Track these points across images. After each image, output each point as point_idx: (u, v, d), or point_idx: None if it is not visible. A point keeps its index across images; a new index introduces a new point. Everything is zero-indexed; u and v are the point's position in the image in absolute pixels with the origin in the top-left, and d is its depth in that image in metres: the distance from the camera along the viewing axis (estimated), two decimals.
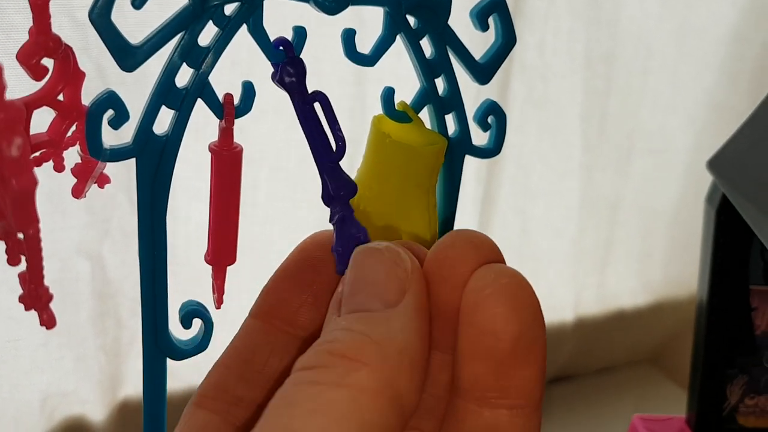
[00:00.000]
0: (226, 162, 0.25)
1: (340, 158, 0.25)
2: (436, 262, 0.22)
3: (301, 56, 0.25)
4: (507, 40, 0.28)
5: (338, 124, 0.25)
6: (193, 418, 0.24)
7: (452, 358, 0.22)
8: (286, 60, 0.24)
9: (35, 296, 0.21)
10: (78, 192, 0.26)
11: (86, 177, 0.25)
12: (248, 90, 0.25)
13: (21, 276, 0.21)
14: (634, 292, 0.88)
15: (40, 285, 0.21)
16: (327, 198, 0.25)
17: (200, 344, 0.26)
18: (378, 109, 0.27)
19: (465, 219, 0.72)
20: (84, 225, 0.53)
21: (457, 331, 0.21)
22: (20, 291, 0.54)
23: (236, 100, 0.25)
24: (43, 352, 0.56)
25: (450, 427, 0.22)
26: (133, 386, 0.61)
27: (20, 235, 0.20)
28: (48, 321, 0.21)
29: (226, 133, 0.25)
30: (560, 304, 0.82)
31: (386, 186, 0.28)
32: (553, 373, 0.84)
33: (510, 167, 0.72)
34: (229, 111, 0.24)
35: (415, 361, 0.20)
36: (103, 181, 0.26)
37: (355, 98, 0.56)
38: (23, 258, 0.22)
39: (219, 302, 0.27)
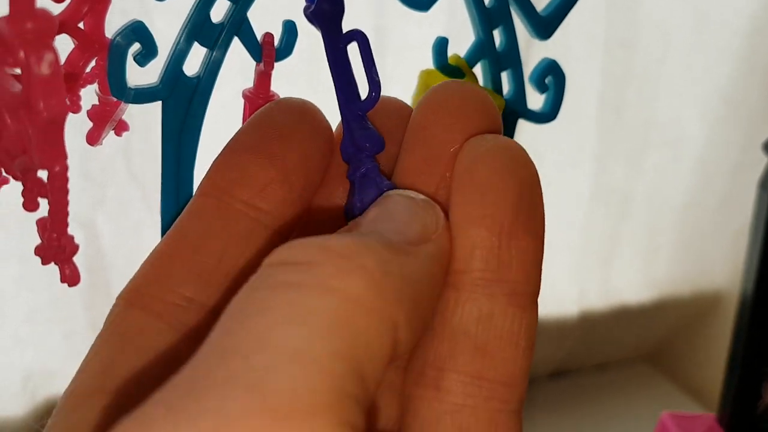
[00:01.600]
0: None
1: (371, 107, 0.21)
2: (420, 124, 0.19)
3: None
4: None
5: (375, 67, 0.21)
6: (125, 321, 0.19)
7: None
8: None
9: (57, 247, 0.18)
10: (93, 138, 0.22)
11: (104, 121, 0.22)
12: (290, 30, 0.22)
13: (40, 223, 0.18)
14: (639, 288, 0.86)
15: (64, 234, 0.18)
16: (351, 151, 0.21)
17: None
18: (400, 79, 0.24)
19: None
20: (79, 190, 0.50)
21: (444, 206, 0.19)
22: (8, 260, 0.50)
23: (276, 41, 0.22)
24: (28, 326, 0.52)
25: (435, 321, 0.18)
26: None
27: (41, 173, 0.17)
28: (71, 277, 0.18)
29: (264, 78, 0.22)
30: (564, 298, 0.80)
31: None
32: (554, 367, 0.82)
33: None
34: (268, 53, 0.21)
35: (420, 305, 0.16)
36: (121, 128, 0.23)
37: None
38: (40, 202, 0.18)
39: None
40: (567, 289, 0.79)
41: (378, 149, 0.21)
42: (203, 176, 0.20)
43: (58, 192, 0.17)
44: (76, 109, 0.21)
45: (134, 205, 0.51)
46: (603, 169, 0.77)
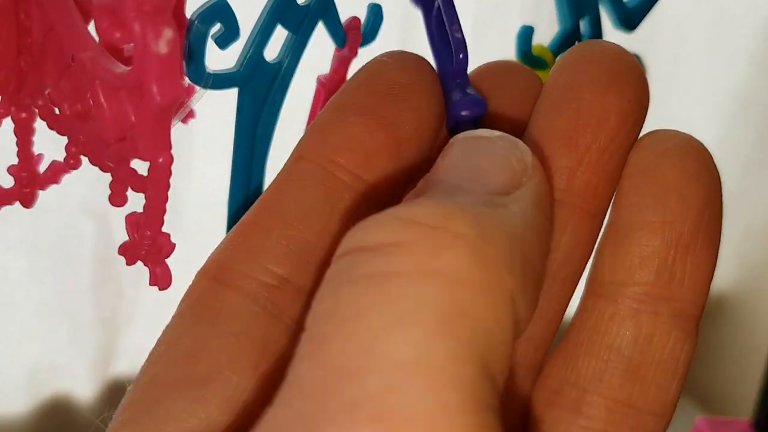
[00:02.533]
0: None
1: (462, 69, 0.19)
2: (566, 85, 0.17)
3: None
4: None
5: (457, 25, 0.19)
6: (214, 301, 0.16)
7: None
8: None
9: (151, 246, 0.16)
10: None
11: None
12: (376, 14, 0.20)
13: (130, 219, 0.16)
14: None
15: (160, 232, 0.16)
16: (452, 120, 0.19)
17: None
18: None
19: None
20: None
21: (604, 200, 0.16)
22: (19, 250, 0.48)
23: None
24: (36, 320, 0.51)
25: (581, 336, 0.16)
26: (126, 363, 0.56)
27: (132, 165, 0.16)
28: (162, 278, 0.16)
29: (344, 64, 0.20)
30: None
31: None
32: None
33: None
34: (355, 38, 0.20)
35: (532, 263, 0.14)
36: (188, 115, 0.21)
37: (401, 44, 0.51)
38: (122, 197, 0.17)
39: None
40: None
41: (479, 113, 0.18)
42: (303, 135, 0.18)
43: (159, 185, 0.15)
44: None
45: None
46: None
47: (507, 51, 0.23)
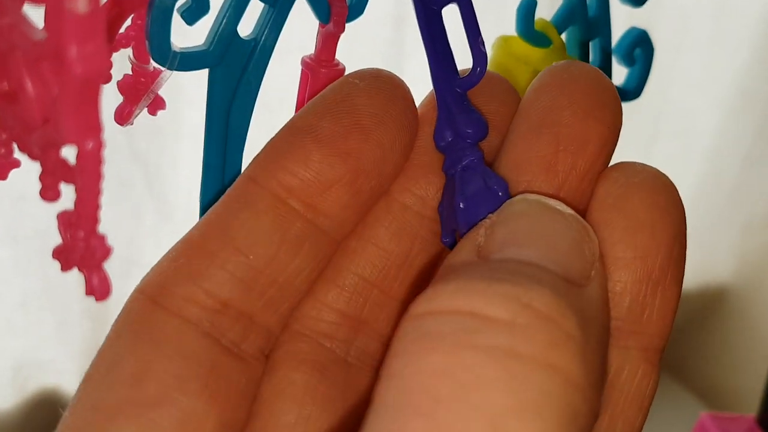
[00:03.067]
0: (323, 83, 0.19)
1: (475, 83, 0.18)
2: (546, 106, 0.17)
3: None
4: None
5: (481, 36, 0.18)
6: (156, 324, 0.16)
7: None
8: None
9: (84, 249, 0.14)
10: (123, 117, 0.19)
11: (138, 95, 0.19)
12: None
13: (62, 218, 0.14)
14: None
15: (93, 233, 0.14)
16: (449, 138, 0.18)
17: None
18: (417, 55, 0.21)
19: None
20: None
21: None
22: (0, 242, 0.47)
23: None
24: (20, 313, 0.49)
25: None
26: None
27: (66, 152, 0.14)
28: (99, 288, 0.14)
29: (331, 42, 0.19)
30: None
31: None
32: None
33: None
34: (339, 11, 0.18)
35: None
36: (156, 105, 0.19)
37: (392, 44, 0.50)
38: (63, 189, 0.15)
39: None
40: None
41: (482, 136, 0.17)
42: (257, 156, 0.17)
43: (88, 176, 0.13)
44: (106, 78, 0.18)
45: (135, 188, 0.48)
46: (612, 159, 0.75)
47: (506, 25, 0.22)
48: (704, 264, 0.86)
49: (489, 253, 0.15)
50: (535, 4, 0.21)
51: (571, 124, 0.17)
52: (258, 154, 0.17)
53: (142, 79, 0.18)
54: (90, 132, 0.12)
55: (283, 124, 0.18)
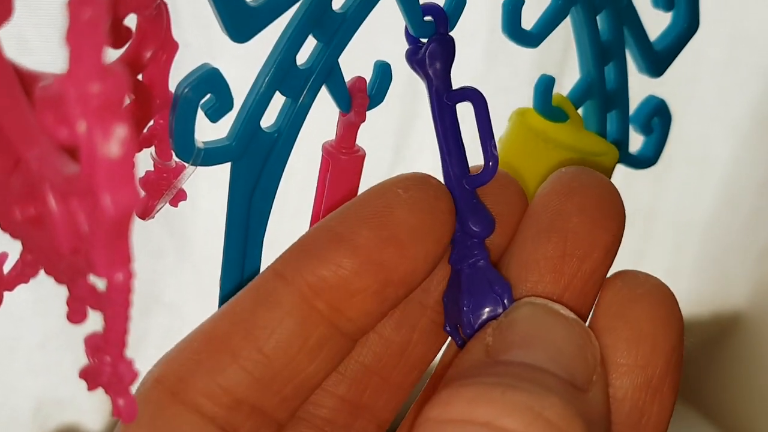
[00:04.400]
0: (344, 169, 0.19)
1: (486, 182, 0.19)
2: (556, 210, 0.17)
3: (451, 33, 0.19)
4: (689, 25, 0.22)
5: (493, 139, 0.18)
6: (173, 419, 0.16)
7: None
8: (436, 36, 0.18)
9: (111, 374, 0.14)
10: (145, 212, 0.19)
11: (160, 191, 0.19)
12: (384, 73, 0.19)
13: (89, 342, 0.14)
14: None
15: (121, 359, 0.14)
16: (457, 234, 0.18)
17: None
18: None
19: None
20: None
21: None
22: (22, 285, 0.48)
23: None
24: (40, 354, 0.50)
25: None
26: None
27: (94, 280, 0.14)
28: (126, 410, 0.14)
29: (351, 130, 0.19)
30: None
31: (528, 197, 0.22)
32: None
33: None
34: (361, 101, 0.18)
35: None
36: (177, 197, 0.20)
37: (407, 84, 0.50)
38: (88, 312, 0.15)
39: None
40: None
41: (488, 234, 0.18)
42: (287, 251, 0.17)
43: (118, 305, 0.13)
44: None
45: (156, 229, 0.49)
46: (628, 186, 0.75)
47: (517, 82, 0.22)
48: (720, 290, 0.85)
49: (497, 353, 0.16)
50: (553, 81, 0.21)
51: (578, 231, 0.17)
52: (288, 250, 0.17)
53: (165, 175, 0.19)
54: (121, 265, 0.12)
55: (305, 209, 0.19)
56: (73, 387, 0.52)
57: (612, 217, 0.18)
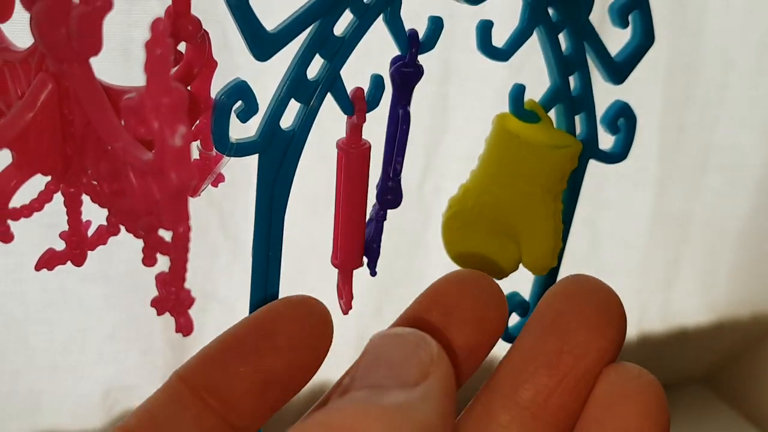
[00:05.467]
0: (354, 160, 0.24)
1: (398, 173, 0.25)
2: (559, 311, 0.19)
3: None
4: (644, 40, 0.26)
5: (403, 156, 0.24)
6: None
7: None
8: (408, 57, 0.23)
9: (175, 300, 0.19)
10: (194, 191, 0.24)
11: (204, 175, 0.24)
12: (378, 84, 0.24)
13: (159, 278, 0.20)
14: (697, 311, 0.86)
15: (182, 288, 0.19)
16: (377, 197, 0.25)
17: None
18: (461, 109, 0.25)
19: None
20: None
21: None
22: (93, 280, 0.53)
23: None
24: (109, 344, 0.55)
25: None
26: None
27: (163, 232, 0.19)
28: (185, 326, 0.20)
29: (356, 129, 0.24)
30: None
31: (509, 190, 0.26)
32: None
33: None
34: (360, 106, 0.23)
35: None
36: (218, 180, 0.25)
37: (437, 96, 0.55)
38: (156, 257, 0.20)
39: (347, 307, 0.25)
40: (627, 313, 0.79)
41: (394, 205, 0.24)
42: (191, 361, 0.21)
43: (180, 250, 0.18)
44: None
45: (211, 231, 0.53)
46: (663, 192, 0.78)
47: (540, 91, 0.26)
48: (757, 293, 0.87)
49: (349, 388, 0.17)
50: (524, 88, 0.25)
51: (576, 331, 0.19)
52: (194, 358, 0.21)
53: (207, 163, 0.24)
54: (182, 221, 0.17)
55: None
56: (139, 375, 0.57)
57: (609, 323, 0.19)
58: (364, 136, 0.24)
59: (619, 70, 0.26)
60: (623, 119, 0.27)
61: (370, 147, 0.24)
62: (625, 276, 0.78)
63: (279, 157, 0.23)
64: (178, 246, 0.18)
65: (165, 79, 0.16)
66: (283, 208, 0.23)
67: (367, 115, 0.24)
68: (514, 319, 0.29)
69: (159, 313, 0.20)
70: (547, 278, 0.29)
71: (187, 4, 0.20)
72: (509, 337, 0.27)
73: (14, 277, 0.51)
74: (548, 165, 0.25)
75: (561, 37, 0.25)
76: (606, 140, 0.28)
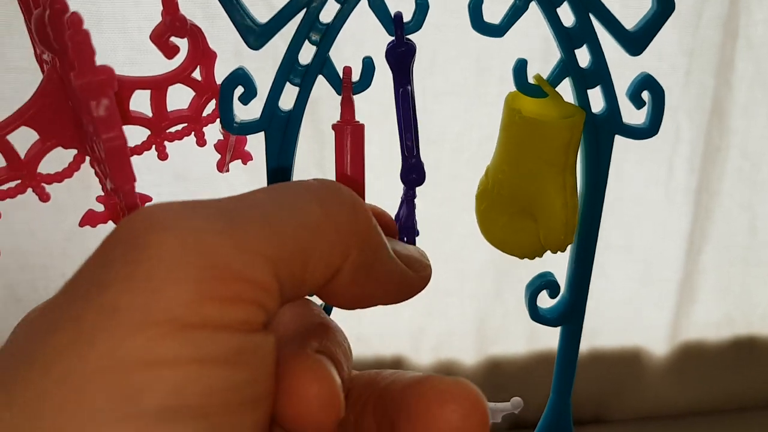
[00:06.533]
0: (347, 136, 0.26)
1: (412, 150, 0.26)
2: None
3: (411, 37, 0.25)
4: (664, 8, 0.25)
5: (412, 133, 0.26)
6: None
7: None
8: (394, 40, 0.25)
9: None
10: (220, 165, 0.28)
11: (224, 151, 0.27)
12: (367, 66, 0.26)
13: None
14: None
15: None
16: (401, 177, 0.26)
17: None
18: (501, 96, 0.26)
19: (674, 210, 0.68)
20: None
21: None
22: None
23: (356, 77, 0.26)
24: None
25: None
26: None
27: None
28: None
29: (346, 104, 0.26)
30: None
31: (519, 167, 0.27)
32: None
33: (734, 156, 0.67)
34: (346, 81, 0.25)
35: None
36: (246, 157, 0.28)
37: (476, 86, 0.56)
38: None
39: None
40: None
41: (418, 183, 0.26)
42: None
43: (130, 208, 0.22)
44: (202, 142, 0.27)
45: None
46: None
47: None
48: None
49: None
50: (526, 63, 0.26)
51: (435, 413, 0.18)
52: None
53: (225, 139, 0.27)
54: (126, 181, 0.21)
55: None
56: None
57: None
58: (381, 128, 0.26)
59: (635, 40, 0.26)
60: (648, 92, 0.26)
61: (363, 126, 0.26)
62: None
63: (280, 133, 0.26)
64: (127, 204, 0.21)
65: (90, 61, 0.20)
66: (289, 177, 0.26)
67: (379, 107, 0.26)
68: (544, 298, 0.29)
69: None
70: (579, 255, 0.29)
71: (174, 4, 0.23)
72: (538, 317, 0.29)
73: None
74: (548, 137, 0.26)
75: (567, 11, 0.25)
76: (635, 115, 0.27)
